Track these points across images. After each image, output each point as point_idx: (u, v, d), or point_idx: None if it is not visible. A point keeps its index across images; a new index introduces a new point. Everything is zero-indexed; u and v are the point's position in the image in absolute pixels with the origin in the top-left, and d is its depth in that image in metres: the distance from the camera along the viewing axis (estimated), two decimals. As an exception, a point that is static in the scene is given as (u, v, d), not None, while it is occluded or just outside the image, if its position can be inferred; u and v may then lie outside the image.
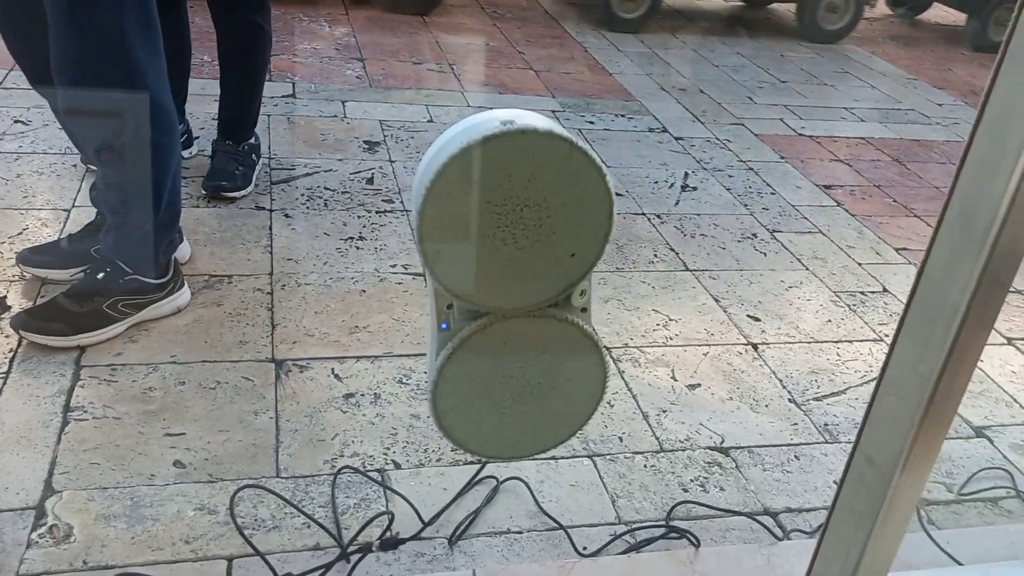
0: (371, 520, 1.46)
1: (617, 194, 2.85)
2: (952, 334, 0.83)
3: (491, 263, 0.94)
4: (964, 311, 0.82)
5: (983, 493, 1.72)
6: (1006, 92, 0.77)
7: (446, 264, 0.95)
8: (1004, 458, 1.84)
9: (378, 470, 1.58)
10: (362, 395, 1.76)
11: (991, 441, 1.88)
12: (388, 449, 1.63)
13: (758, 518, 1.59)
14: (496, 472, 1.60)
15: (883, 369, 0.90)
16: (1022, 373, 2.15)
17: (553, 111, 3.49)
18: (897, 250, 2.72)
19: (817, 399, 1.95)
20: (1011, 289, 2.58)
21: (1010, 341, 2.28)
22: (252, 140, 2.56)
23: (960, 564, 1.43)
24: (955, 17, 6.23)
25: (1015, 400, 2.03)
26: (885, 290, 2.46)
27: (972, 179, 0.81)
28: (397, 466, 1.60)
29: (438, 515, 1.48)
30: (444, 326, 1.04)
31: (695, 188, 2.97)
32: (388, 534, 1.44)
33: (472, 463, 1.63)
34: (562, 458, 1.67)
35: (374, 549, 1.41)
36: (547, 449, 1.16)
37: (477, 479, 1.58)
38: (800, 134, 3.64)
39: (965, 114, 4.20)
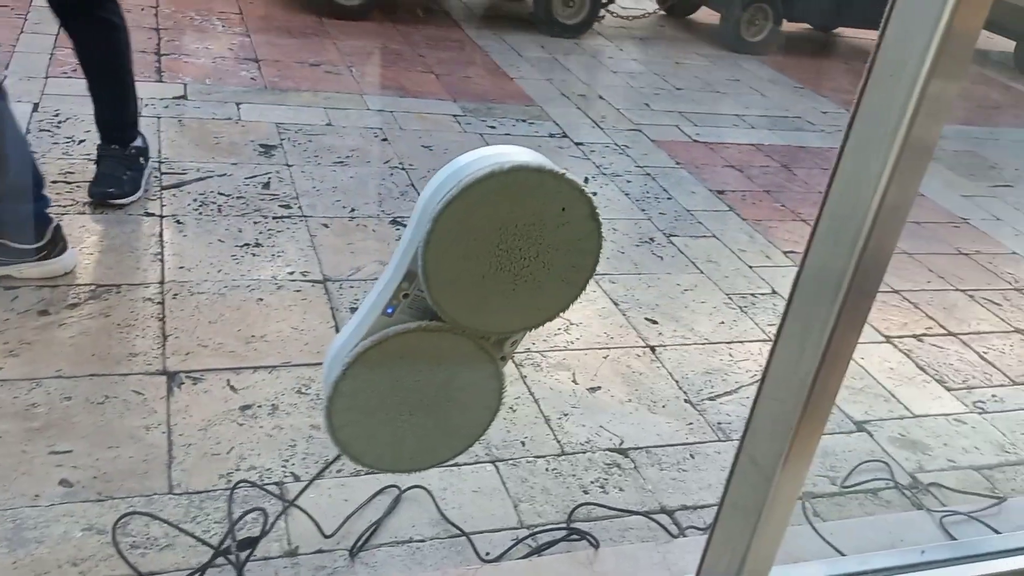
0: (240, 518, 1.43)
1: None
2: (825, 338, 0.87)
3: (481, 288, 0.95)
4: (836, 316, 0.86)
5: (864, 485, 1.81)
6: (869, 113, 0.82)
7: (445, 283, 0.95)
8: (883, 451, 1.94)
9: (276, 483, 1.55)
10: (259, 407, 1.73)
11: (871, 435, 1.98)
12: (287, 461, 1.61)
13: (655, 517, 1.63)
14: (399, 481, 1.60)
15: (764, 373, 0.94)
16: (899, 369, 2.27)
17: (454, 115, 3.50)
18: (785, 253, 2.83)
19: (711, 399, 2.02)
20: (888, 289, 2.70)
21: (888, 339, 2.41)
22: (139, 142, 2.47)
23: (843, 555, 1.50)
24: (861, 32, 6.52)
25: (892, 395, 2.15)
26: (774, 292, 2.56)
27: (842, 191, 0.85)
28: (296, 478, 1.57)
29: (337, 529, 1.47)
30: (390, 311, 1.03)
31: (595, 193, 3.02)
32: (264, 534, 1.42)
33: (373, 474, 1.61)
34: (465, 464, 1.68)
35: (232, 551, 1.38)
36: (441, 462, 1.16)
37: (380, 489, 1.57)
38: (695, 140, 3.75)
39: (846, 122, 4.40)
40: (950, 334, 2.49)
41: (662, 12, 6.09)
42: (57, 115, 2.83)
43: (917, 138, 0.79)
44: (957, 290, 2.77)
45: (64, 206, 2.31)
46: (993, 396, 2.22)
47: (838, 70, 5.60)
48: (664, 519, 1.64)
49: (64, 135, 2.70)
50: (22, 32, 3.52)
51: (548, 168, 0.90)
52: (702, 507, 1.69)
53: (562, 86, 4.14)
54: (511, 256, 0.94)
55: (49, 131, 2.71)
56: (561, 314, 1.03)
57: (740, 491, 0.98)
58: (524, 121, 3.56)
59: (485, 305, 0.98)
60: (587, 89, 4.16)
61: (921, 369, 2.29)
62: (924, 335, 2.47)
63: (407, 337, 1.04)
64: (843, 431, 1.99)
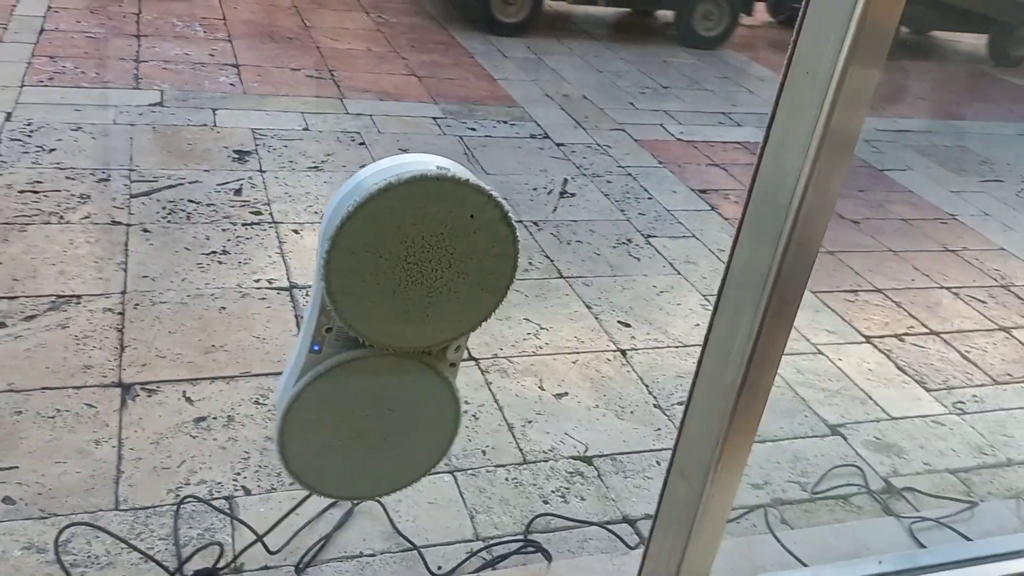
0: (196, 552, 1.40)
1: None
2: (751, 342, 0.83)
3: (395, 304, 0.91)
4: (761, 317, 0.82)
5: (835, 491, 1.77)
6: (788, 108, 0.78)
7: (353, 303, 0.91)
8: (857, 455, 1.90)
9: (226, 497, 1.52)
10: (214, 418, 1.70)
11: (845, 439, 1.94)
12: (239, 475, 1.57)
13: (614, 527, 1.59)
14: (352, 493, 1.56)
15: (692, 383, 0.91)
16: (878, 371, 2.22)
17: (435, 118, 3.46)
18: (766, 252, 2.79)
19: (682, 403, 1.98)
20: (871, 288, 2.64)
21: (868, 339, 2.37)
22: None
23: (805, 564, 1.46)
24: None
25: (870, 397, 2.10)
26: (753, 292, 2.51)
27: (764, 189, 0.82)
28: (247, 492, 1.54)
29: (285, 544, 1.43)
30: (316, 348, 1.01)
31: (573, 194, 2.99)
32: (219, 565, 1.38)
33: (328, 485, 1.58)
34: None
35: (212, 581, 1.35)
36: (404, 486, 1.13)
37: (331, 502, 1.54)
38: (679, 139, 3.71)
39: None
40: (932, 333, 2.45)
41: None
42: (29, 124, 2.80)
43: (837, 131, 0.76)
44: (942, 288, 2.73)
45: (29, 216, 2.28)
46: (974, 396, 2.18)
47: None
48: (624, 529, 1.60)
49: (35, 144, 2.68)
50: (1, 42, 3.51)
51: (450, 175, 0.86)
52: (666, 516, 1.65)
53: (546, 86, 4.11)
54: (422, 268, 0.90)
55: (20, 140, 2.69)
56: (484, 321, 1.00)
57: (672, 504, 0.95)
58: (505, 122, 3.53)
59: (403, 320, 0.94)
60: (571, 89, 4.12)
61: (901, 370, 2.24)
62: (906, 334, 2.42)
63: (337, 372, 1.01)
64: (816, 435, 1.95)
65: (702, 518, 0.92)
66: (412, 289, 0.91)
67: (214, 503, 1.49)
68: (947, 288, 2.73)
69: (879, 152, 3.93)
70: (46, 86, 3.12)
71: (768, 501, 1.73)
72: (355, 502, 1.54)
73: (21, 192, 2.39)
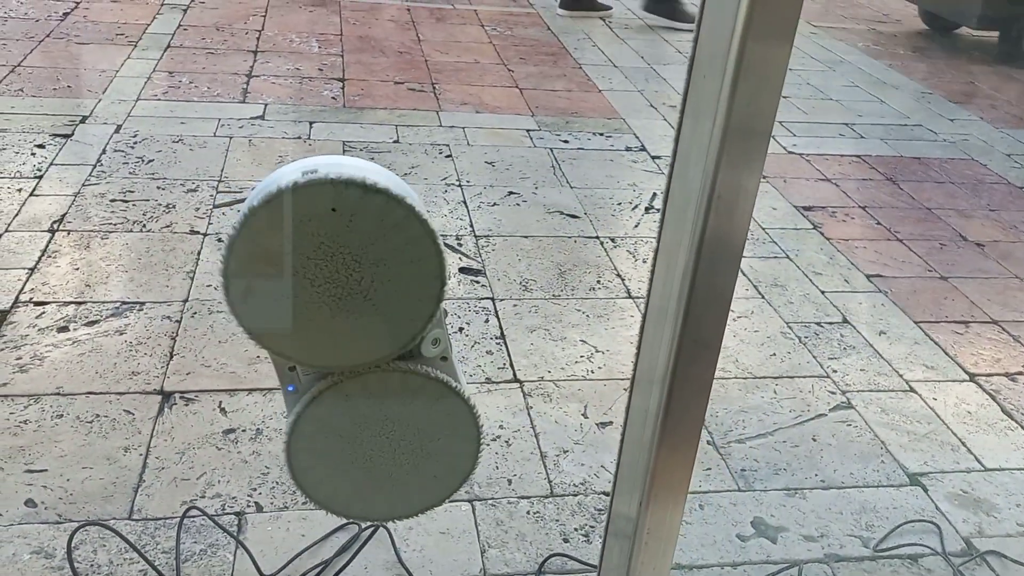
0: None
1: (572, 216, 2.76)
2: (669, 368, 0.72)
3: (314, 318, 0.88)
4: (678, 337, 0.71)
5: (901, 550, 1.57)
6: (694, 98, 0.67)
7: (266, 324, 0.89)
8: (936, 509, 1.68)
9: (237, 513, 1.51)
10: (243, 430, 1.69)
11: (926, 490, 1.73)
12: (255, 490, 1.56)
13: None
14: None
15: (624, 418, 0.80)
16: (979, 413, 1.98)
17: (528, 130, 3.41)
18: (868, 277, 2.56)
19: (740, 441, 1.82)
20: (986, 320, 2.39)
21: (973, 377, 2.12)
22: None
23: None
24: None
25: (963, 443, 1.87)
26: (845, 320, 2.31)
27: (678, 184, 0.71)
28: (259, 508, 1.52)
29: (282, 568, 1.40)
30: (291, 388, 0.99)
31: (660, 210, 2.84)
32: (226, 584, 1.36)
33: (341, 507, 1.54)
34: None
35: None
36: (423, 510, 1.08)
37: (339, 526, 1.49)
38: (789, 152, 3.49)
39: (979, 130, 3.99)
40: (1053, 373, 2.17)
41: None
42: (135, 136, 2.95)
43: (742, 115, 0.64)
44: (1074, 322, 2.42)
45: (115, 224, 2.38)
46: (1093, 449, 1.90)
47: (981, 72, 5.10)
48: (650, 576, 1.47)
49: (136, 155, 2.81)
50: (128, 58, 3.72)
51: (329, 178, 0.79)
52: (699, 567, 1.51)
53: (653, 97, 3.97)
54: (328, 278, 0.84)
55: (123, 151, 2.82)
56: (425, 326, 0.92)
57: (610, 553, 0.84)
58: (600, 134, 3.43)
59: (322, 333, 0.88)
60: (678, 100, 3.96)
61: (1007, 414, 1.99)
62: (1019, 373, 2.15)
63: (315, 408, 0.98)
64: (892, 484, 1.74)
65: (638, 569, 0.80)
66: (323, 300, 0.85)
67: (222, 518, 1.48)
68: (1080, 322, 2.41)
69: (1020, 168, 3.56)
70: (159, 100, 3.28)
71: (821, 556, 1.55)
72: (361, 527, 1.49)
73: (112, 201, 2.50)
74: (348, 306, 0.86)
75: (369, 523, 1.46)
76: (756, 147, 0.64)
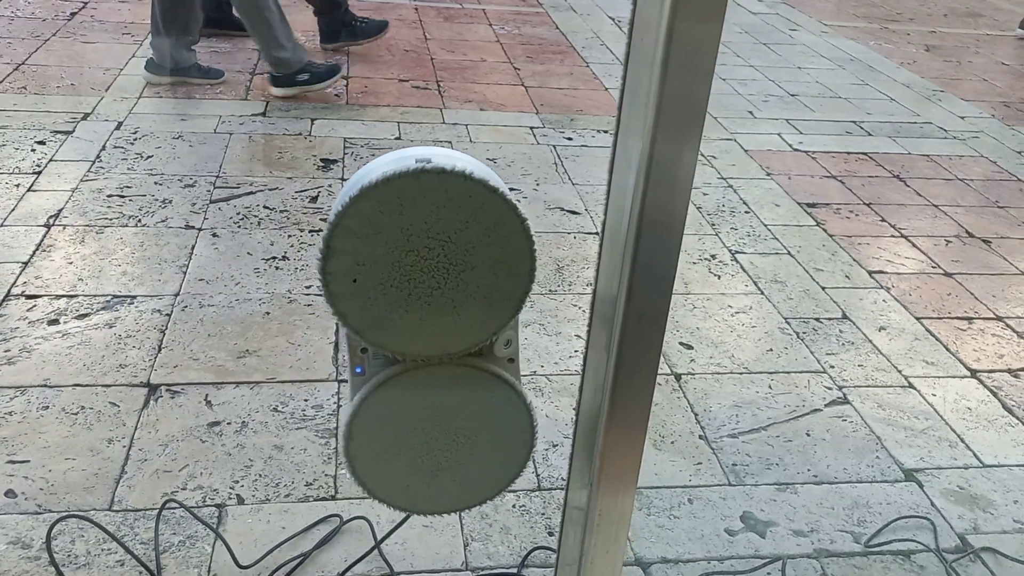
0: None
1: (572, 212, 2.74)
2: (612, 364, 0.70)
3: (403, 307, 0.87)
4: (620, 330, 0.69)
5: (892, 545, 1.54)
6: (632, 79, 0.65)
7: (355, 307, 0.89)
8: (932, 505, 1.65)
9: (218, 505, 1.49)
10: (228, 423, 1.68)
11: (921, 486, 1.70)
12: (237, 482, 1.55)
13: (624, 569, 1.44)
14: (344, 510, 1.50)
15: (575, 413, 0.78)
16: (979, 409, 1.94)
17: (532, 127, 3.39)
18: (871, 273, 2.52)
19: (732, 436, 1.80)
20: (990, 316, 2.35)
21: (974, 373, 2.08)
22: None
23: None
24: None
25: (961, 439, 1.84)
26: (845, 316, 2.27)
27: (617, 176, 0.69)
28: (240, 501, 1.51)
29: (260, 559, 1.39)
30: (359, 370, 0.99)
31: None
32: None
33: (324, 499, 1.53)
34: (423, 496, 1.55)
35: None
36: (469, 506, 1.07)
37: (320, 519, 1.48)
38: (795, 149, 3.45)
39: (990, 127, 3.94)
40: (1057, 370, 2.12)
41: None
42: (135, 132, 2.95)
43: (674, 93, 0.62)
44: (1081, 318, 2.37)
45: (110, 218, 2.38)
46: (1097, 446, 1.86)
47: (993, 70, 5.04)
48: (634, 572, 1.45)
49: (135, 151, 2.81)
50: (133, 56, 3.73)
51: (459, 171, 0.79)
52: (686, 561, 1.49)
53: (659, 95, 3.94)
54: (425, 267, 0.83)
55: (122, 148, 2.83)
56: (510, 320, 0.92)
57: (567, 538, 0.82)
58: (605, 132, 3.40)
59: (410, 323, 0.87)
60: (686, 98, 3.93)
61: (1008, 410, 1.95)
62: (1022, 370, 2.11)
63: (380, 393, 0.97)
64: (887, 479, 1.71)
65: (591, 560, 0.78)
66: (415, 289, 0.84)
67: (202, 510, 1.47)
68: (1087, 319, 2.36)
69: (1032, 164, 3.51)
70: (161, 97, 3.29)
71: (811, 551, 1.52)
72: (343, 520, 1.47)
73: (109, 196, 2.50)
74: (441, 296, 0.86)
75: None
76: (691, 121, 0.62)
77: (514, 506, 1.56)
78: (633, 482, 0.78)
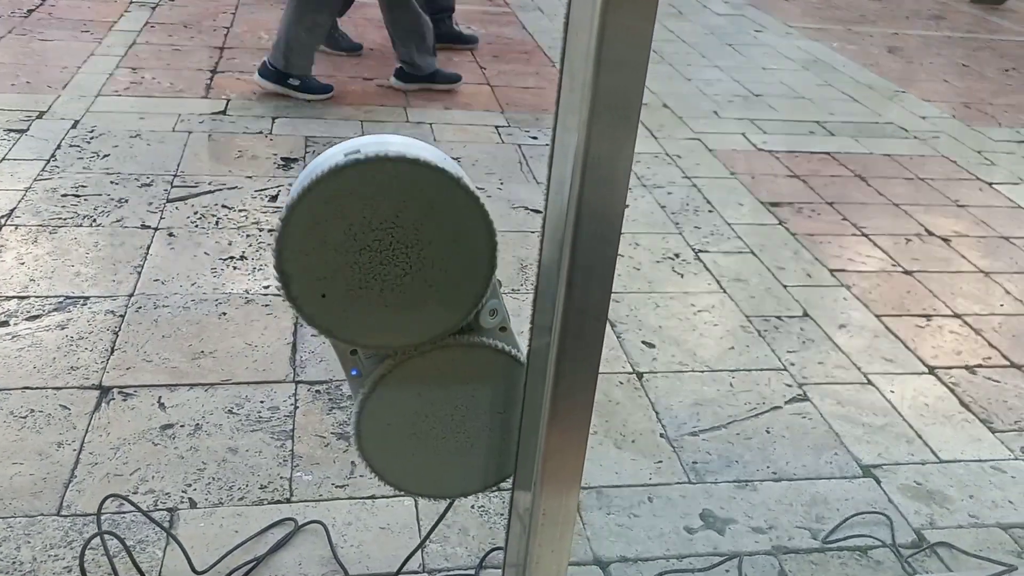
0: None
1: (536, 211, 2.72)
2: (552, 365, 0.69)
3: (378, 303, 0.86)
4: (560, 326, 0.68)
5: (849, 541, 1.54)
6: (568, 74, 0.64)
7: (335, 319, 0.88)
8: (889, 501, 1.66)
9: (169, 509, 1.46)
10: (181, 426, 1.65)
11: (879, 482, 1.71)
12: (189, 486, 1.52)
13: (583, 569, 1.44)
14: (299, 513, 1.48)
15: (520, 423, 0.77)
16: (936, 406, 1.96)
17: (497, 126, 3.38)
18: (832, 271, 2.54)
19: (693, 434, 1.80)
20: (948, 313, 2.37)
21: (932, 370, 2.09)
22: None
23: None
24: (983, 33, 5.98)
25: (919, 436, 1.85)
26: (805, 314, 2.29)
27: (555, 170, 0.68)
28: (193, 504, 1.48)
29: (215, 564, 1.36)
30: (355, 372, 0.98)
31: (627, 206, 2.82)
32: (152, 581, 1.32)
33: (279, 502, 1.50)
34: (380, 498, 1.54)
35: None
36: (490, 485, 1.07)
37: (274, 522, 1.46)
38: (759, 149, 3.47)
39: (950, 127, 3.99)
40: (1013, 366, 2.15)
41: None
42: (92, 131, 2.90)
43: (608, 88, 0.61)
44: (1036, 315, 2.40)
45: (64, 218, 2.34)
46: (1051, 441, 1.88)
47: (954, 71, 5.11)
48: (593, 572, 1.44)
49: (92, 150, 2.76)
50: (92, 55, 3.67)
51: (380, 155, 0.77)
52: (645, 559, 1.48)
53: (625, 95, 3.94)
54: (383, 254, 0.81)
55: (78, 147, 2.78)
56: (477, 303, 0.91)
57: (512, 547, 0.81)
58: (569, 131, 3.40)
59: (374, 315, 0.85)
60: (652, 98, 3.94)
61: (965, 406, 1.97)
62: (980, 366, 2.13)
63: (380, 391, 0.95)
64: (845, 476, 1.72)
65: (536, 562, 0.77)
66: (384, 283, 0.83)
67: (153, 515, 1.44)
68: (1043, 315, 2.40)
69: (991, 165, 3.55)
70: (120, 96, 3.24)
71: (768, 548, 1.52)
72: (298, 523, 1.45)
73: (64, 196, 2.46)
74: (403, 284, 0.84)
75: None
76: (626, 116, 0.61)
77: (473, 507, 1.54)
78: (576, 482, 0.77)
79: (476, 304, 0.90)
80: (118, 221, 2.36)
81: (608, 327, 2.13)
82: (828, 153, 3.52)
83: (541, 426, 0.71)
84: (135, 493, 1.49)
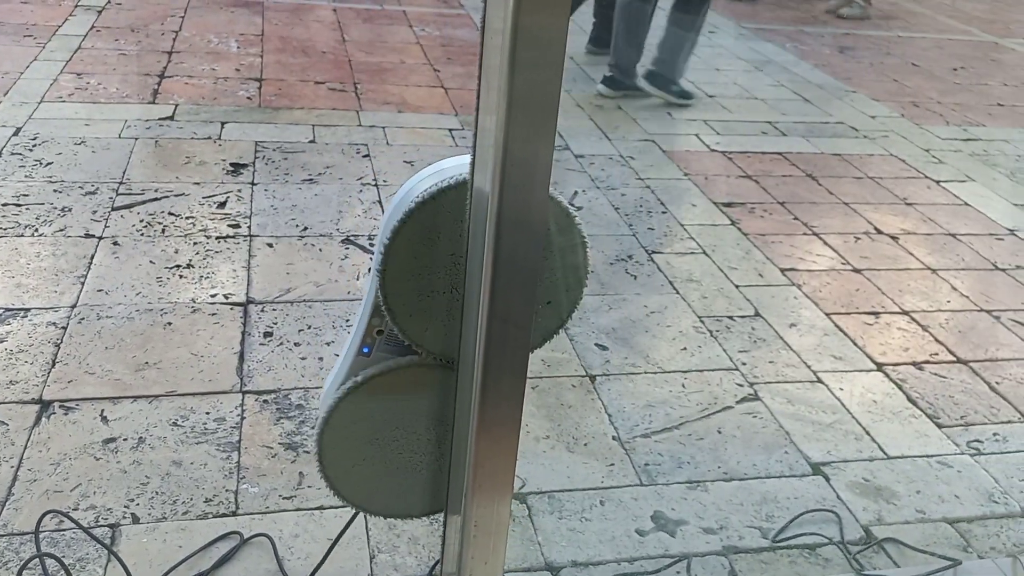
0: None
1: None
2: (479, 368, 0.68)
3: (450, 309, 0.85)
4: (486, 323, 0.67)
5: (798, 540, 1.56)
6: (485, 72, 0.64)
7: (412, 315, 0.87)
8: (837, 498, 1.67)
9: (111, 525, 1.43)
10: (124, 439, 1.62)
11: (828, 479, 1.72)
12: (132, 501, 1.48)
13: (533, 575, 1.43)
14: (245, 526, 1.45)
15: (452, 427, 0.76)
16: (884, 402, 1.98)
17: (451, 129, 3.36)
18: (783, 271, 2.56)
19: (645, 436, 1.80)
20: (896, 310, 2.40)
21: (880, 367, 2.12)
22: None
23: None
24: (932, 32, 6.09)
25: (867, 432, 1.87)
26: (757, 314, 2.30)
27: (478, 167, 0.67)
28: (136, 520, 1.45)
29: (153, 578, 1.33)
30: (366, 350, 0.96)
31: (580, 208, 2.82)
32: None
33: (224, 516, 1.48)
34: (329, 508, 1.52)
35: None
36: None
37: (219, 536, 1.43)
38: (712, 150, 3.50)
39: (899, 126, 4.05)
40: (959, 361, 2.18)
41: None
42: (35, 139, 2.83)
43: (524, 89, 0.61)
44: (981, 311, 2.44)
45: (5, 228, 2.28)
46: (995, 435, 1.91)
47: (904, 70, 5.20)
48: (544, 576, 1.43)
49: (34, 158, 2.70)
50: (35, 60, 3.59)
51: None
52: (596, 564, 1.48)
53: (580, 96, 3.95)
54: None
55: (20, 154, 2.71)
56: (555, 333, 0.91)
57: (447, 559, 0.80)
58: (523, 134, 3.39)
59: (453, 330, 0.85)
60: (605, 100, 3.96)
61: (912, 402, 2.00)
62: (926, 362, 2.16)
63: (384, 378, 0.93)
64: (794, 474, 1.73)
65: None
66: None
67: (94, 531, 1.40)
68: (988, 311, 2.44)
69: (939, 163, 3.62)
70: (64, 102, 3.17)
71: (719, 548, 1.53)
72: (243, 537, 1.42)
73: (4, 205, 2.40)
74: None
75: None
76: (544, 116, 0.61)
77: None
78: (508, 490, 0.76)
79: (571, 312, 0.94)
80: (61, 230, 2.30)
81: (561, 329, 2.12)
82: (780, 153, 3.55)
83: (470, 436, 0.71)
84: (75, 509, 1.45)
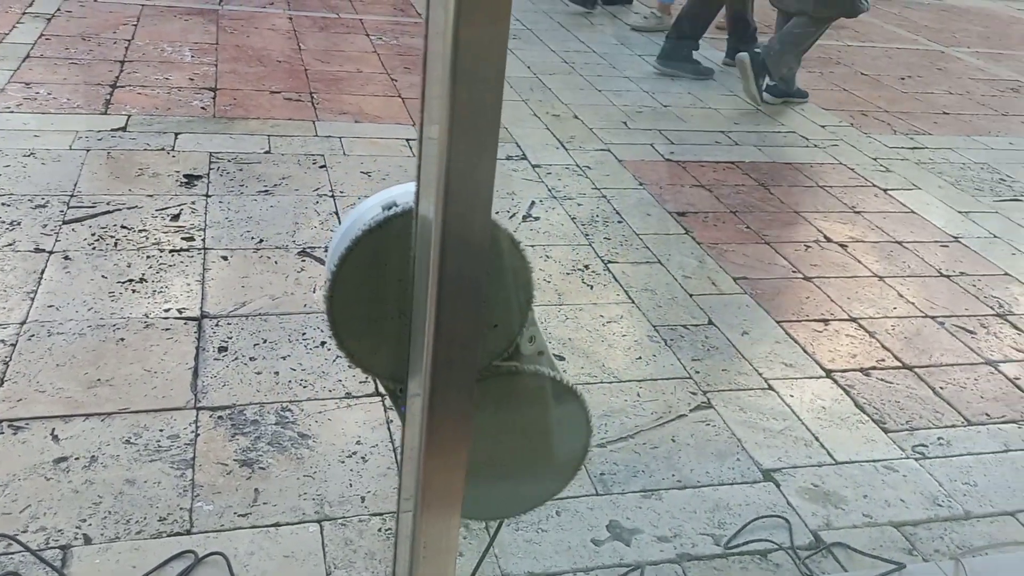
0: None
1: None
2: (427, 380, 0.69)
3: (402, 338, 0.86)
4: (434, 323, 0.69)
5: (750, 546, 1.59)
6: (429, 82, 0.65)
7: (367, 351, 0.88)
8: (787, 504, 1.71)
9: (62, 547, 1.41)
10: (76, 458, 1.60)
11: (778, 485, 1.76)
12: (84, 521, 1.47)
13: (488, 586, 1.44)
14: (200, 545, 1.44)
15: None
16: (833, 408, 2.03)
17: (408, 139, 3.36)
18: (736, 279, 2.61)
19: (601, 445, 1.82)
20: (845, 317, 2.44)
21: (829, 373, 2.17)
22: None
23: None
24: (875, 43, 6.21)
25: (816, 438, 1.91)
26: (710, 322, 2.34)
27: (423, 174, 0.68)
28: (88, 541, 1.43)
29: (106, 599, 1.32)
30: (403, 409, 0.98)
31: (537, 218, 2.85)
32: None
33: (178, 534, 1.47)
34: (285, 524, 1.52)
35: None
36: (539, 504, 1.16)
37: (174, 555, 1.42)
38: (667, 159, 3.54)
39: (848, 135, 4.14)
40: (904, 367, 2.24)
41: None
42: (-18, 150, 2.78)
43: (465, 100, 0.62)
44: (926, 317, 2.51)
45: (-49, 244, 2.24)
46: (939, 439, 1.97)
47: (853, 80, 5.31)
48: (500, 588, 1.45)
49: (-19, 171, 2.65)
50: (-18, 69, 3.52)
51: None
52: (552, 575, 1.49)
53: (537, 107, 3.98)
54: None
55: (-33, 167, 2.66)
56: (517, 335, 0.98)
57: (399, 566, 0.81)
58: (480, 144, 3.41)
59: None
60: (564, 109, 3.99)
61: (859, 408, 2.05)
62: (873, 368, 2.22)
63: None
64: (746, 481, 1.77)
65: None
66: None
67: (44, 553, 1.39)
68: (932, 317, 2.51)
69: (886, 171, 3.71)
70: (12, 112, 3.12)
71: (673, 556, 1.56)
72: (198, 556, 1.42)
73: (-51, 219, 2.35)
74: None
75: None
76: (486, 128, 0.63)
77: (380, 530, 1.53)
78: (457, 510, 0.77)
79: (518, 332, 0.95)
80: (9, 245, 2.27)
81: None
82: (733, 163, 3.61)
83: (419, 456, 0.72)
84: (24, 532, 1.43)
